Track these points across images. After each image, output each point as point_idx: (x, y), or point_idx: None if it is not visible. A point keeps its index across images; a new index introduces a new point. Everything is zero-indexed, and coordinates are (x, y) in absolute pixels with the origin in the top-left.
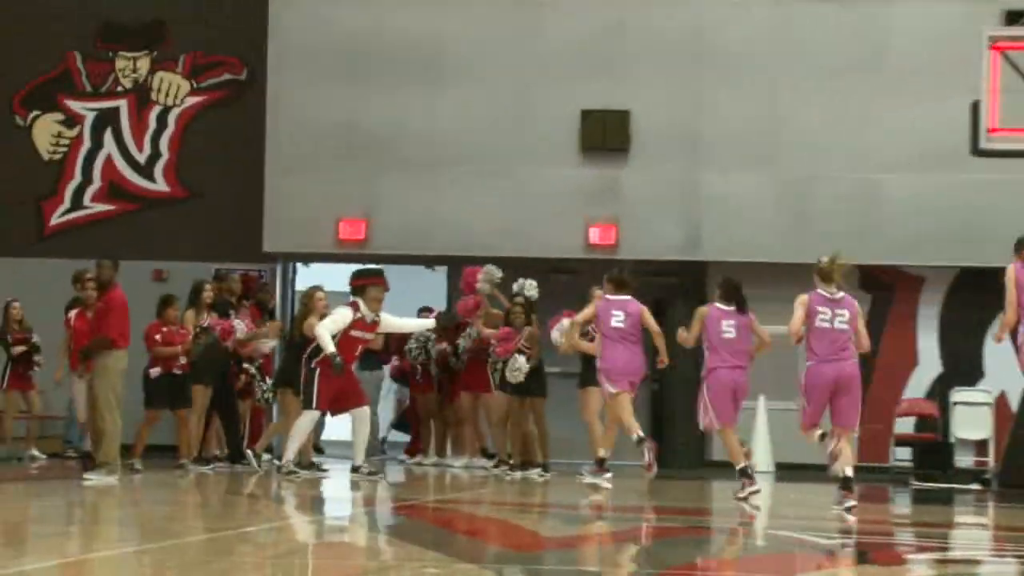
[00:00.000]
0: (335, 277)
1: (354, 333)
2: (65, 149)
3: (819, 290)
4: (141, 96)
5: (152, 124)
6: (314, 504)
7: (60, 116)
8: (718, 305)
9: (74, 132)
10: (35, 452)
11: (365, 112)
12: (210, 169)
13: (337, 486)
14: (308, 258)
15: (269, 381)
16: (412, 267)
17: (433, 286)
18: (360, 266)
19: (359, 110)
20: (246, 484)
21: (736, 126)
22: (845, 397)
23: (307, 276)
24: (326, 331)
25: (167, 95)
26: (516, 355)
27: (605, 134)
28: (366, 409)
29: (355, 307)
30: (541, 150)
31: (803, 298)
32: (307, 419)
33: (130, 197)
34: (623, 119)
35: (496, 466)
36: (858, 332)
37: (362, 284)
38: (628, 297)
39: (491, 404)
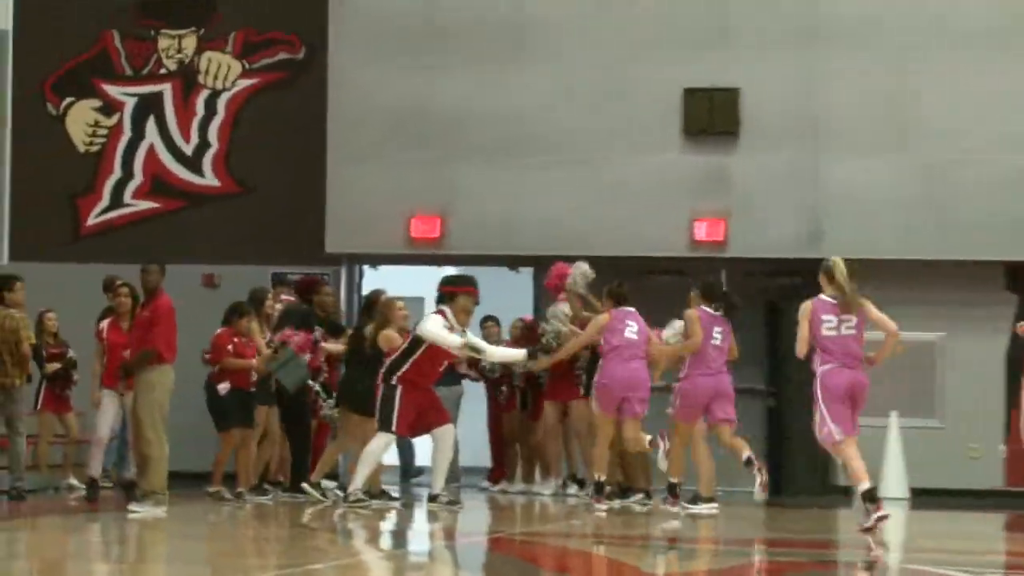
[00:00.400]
0: (406, 281)
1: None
2: (103, 140)
3: (823, 296)
4: (187, 79)
5: (200, 111)
6: (386, 537)
7: (97, 103)
8: (705, 308)
9: (112, 121)
10: (73, 481)
11: (438, 94)
12: (265, 160)
13: (411, 517)
14: (376, 260)
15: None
16: (493, 268)
17: (517, 290)
18: (452, 272)
19: (431, 92)
20: (310, 516)
21: (861, 104)
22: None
23: (374, 280)
24: (440, 331)
25: (216, 78)
26: None
27: (712, 116)
28: (450, 428)
29: (443, 316)
30: (638, 135)
31: (806, 307)
32: (381, 443)
33: (176, 193)
34: (732, 98)
35: (584, 490)
36: (879, 320)
37: (452, 292)
38: (633, 310)
39: (578, 412)
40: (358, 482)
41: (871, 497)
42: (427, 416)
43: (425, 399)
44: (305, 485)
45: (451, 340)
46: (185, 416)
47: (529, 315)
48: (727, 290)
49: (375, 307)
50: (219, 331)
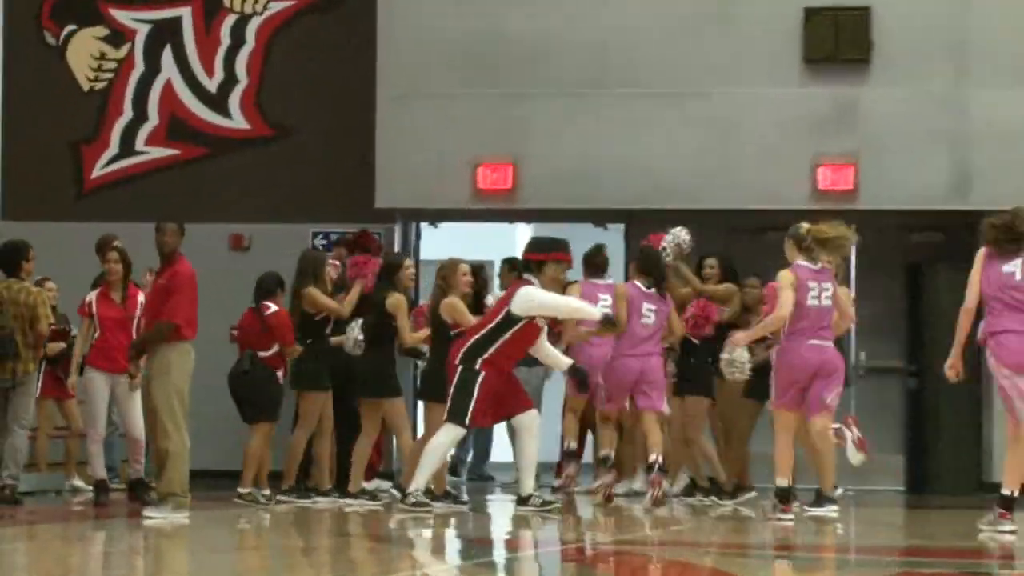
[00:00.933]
0: (473, 241)
1: (539, 321)
2: (110, 75)
3: (801, 261)
4: (210, 2)
5: (225, 39)
6: (466, 548)
7: (103, 31)
8: (638, 283)
9: (122, 53)
10: (77, 482)
11: (510, 18)
12: (302, 98)
13: (490, 522)
14: (436, 216)
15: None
16: (576, 225)
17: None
18: (544, 235)
19: (502, 16)
20: (365, 521)
21: (1019, 23)
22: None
23: (434, 240)
24: (569, 300)
25: (245, 0)
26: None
27: (837, 40)
28: (535, 415)
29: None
30: (749, 65)
31: (788, 275)
32: (449, 436)
33: (198, 138)
34: (861, 19)
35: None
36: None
37: (541, 259)
38: (611, 282)
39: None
40: (420, 481)
41: (783, 496)
42: (506, 401)
43: (505, 384)
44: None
45: (590, 310)
46: (209, 405)
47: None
48: (673, 261)
49: (395, 273)
50: (275, 309)
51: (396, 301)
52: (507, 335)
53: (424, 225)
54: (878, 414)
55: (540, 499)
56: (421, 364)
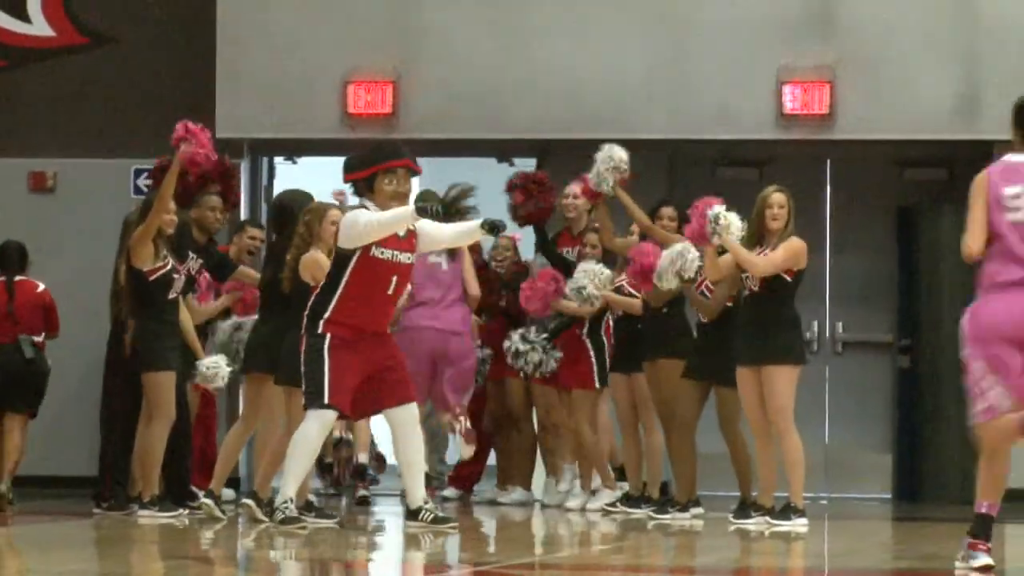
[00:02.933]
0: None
1: (377, 253)
2: None
3: (1010, 156)
4: None
5: None
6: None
7: None
8: None
9: None
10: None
11: None
12: None
13: (362, 543)
14: (295, 148)
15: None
16: (474, 160)
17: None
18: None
19: None
20: (217, 540)
21: None
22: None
23: (293, 179)
24: (373, 215)
25: None
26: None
27: None
28: (412, 409)
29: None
30: None
31: (980, 179)
32: (315, 426)
33: None
34: None
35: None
36: None
37: (368, 173)
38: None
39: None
40: (289, 488)
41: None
42: (380, 389)
43: (372, 356)
44: (200, 491)
45: (391, 214)
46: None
47: (519, 234)
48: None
49: (288, 219)
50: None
51: (312, 262)
52: (343, 281)
53: (279, 160)
54: (860, 402)
55: (432, 513)
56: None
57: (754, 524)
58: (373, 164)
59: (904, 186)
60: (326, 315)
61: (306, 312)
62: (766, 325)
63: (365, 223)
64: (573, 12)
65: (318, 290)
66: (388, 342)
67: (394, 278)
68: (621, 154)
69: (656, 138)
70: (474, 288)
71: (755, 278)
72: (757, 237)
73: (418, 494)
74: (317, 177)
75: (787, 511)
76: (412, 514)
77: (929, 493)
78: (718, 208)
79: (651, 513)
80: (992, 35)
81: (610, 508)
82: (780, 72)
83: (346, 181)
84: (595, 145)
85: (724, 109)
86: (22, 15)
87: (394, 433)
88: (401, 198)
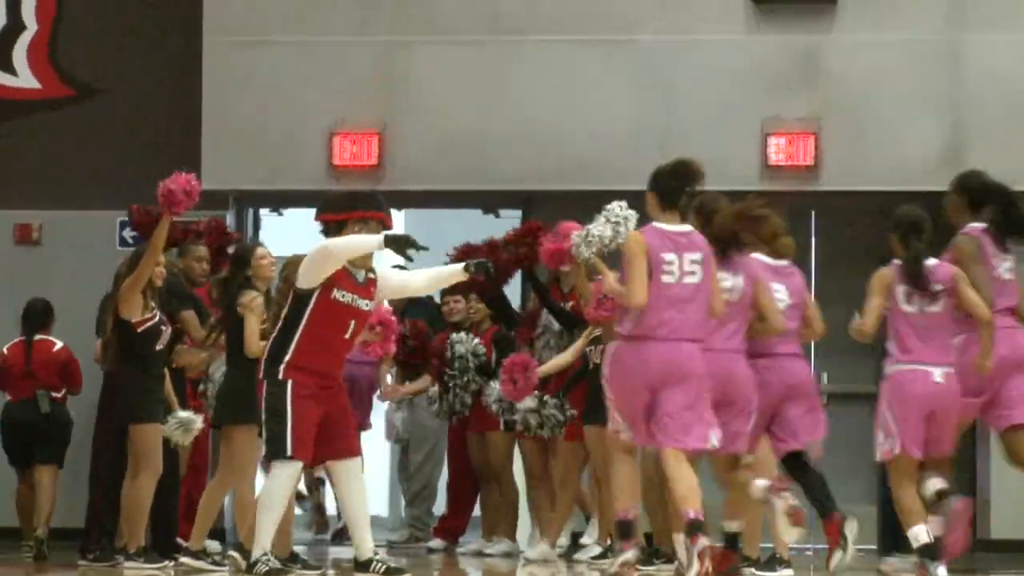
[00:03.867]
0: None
1: (338, 296)
2: None
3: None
4: None
5: None
6: None
7: None
8: None
9: None
10: None
11: None
12: (110, 50)
13: None
14: (280, 200)
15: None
16: (462, 211)
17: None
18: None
19: None
20: None
21: None
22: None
23: (278, 231)
24: (338, 245)
25: None
26: None
27: None
28: (355, 464)
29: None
30: (683, 4)
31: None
32: (283, 477)
33: None
34: None
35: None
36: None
37: (339, 219)
38: None
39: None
40: (264, 540)
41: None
42: (332, 439)
43: (328, 406)
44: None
45: (359, 238)
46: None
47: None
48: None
49: (246, 267)
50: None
51: (250, 299)
52: (302, 323)
53: (264, 212)
54: (845, 453)
55: (384, 564)
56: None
57: None
58: (349, 211)
59: (885, 237)
60: (286, 358)
61: (264, 357)
62: None
63: (333, 243)
64: (559, 63)
65: (276, 333)
66: (341, 393)
67: (352, 322)
68: (609, 233)
69: (642, 189)
70: None
71: None
72: None
73: (367, 546)
74: (303, 229)
75: (772, 562)
76: (363, 566)
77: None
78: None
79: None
80: (977, 86)
81: (595, 559)
82: (765, 123)
83: (318, 220)
84: (581, 196)
85: (709, 160)
86: (7, 67)
87: (337, 486)
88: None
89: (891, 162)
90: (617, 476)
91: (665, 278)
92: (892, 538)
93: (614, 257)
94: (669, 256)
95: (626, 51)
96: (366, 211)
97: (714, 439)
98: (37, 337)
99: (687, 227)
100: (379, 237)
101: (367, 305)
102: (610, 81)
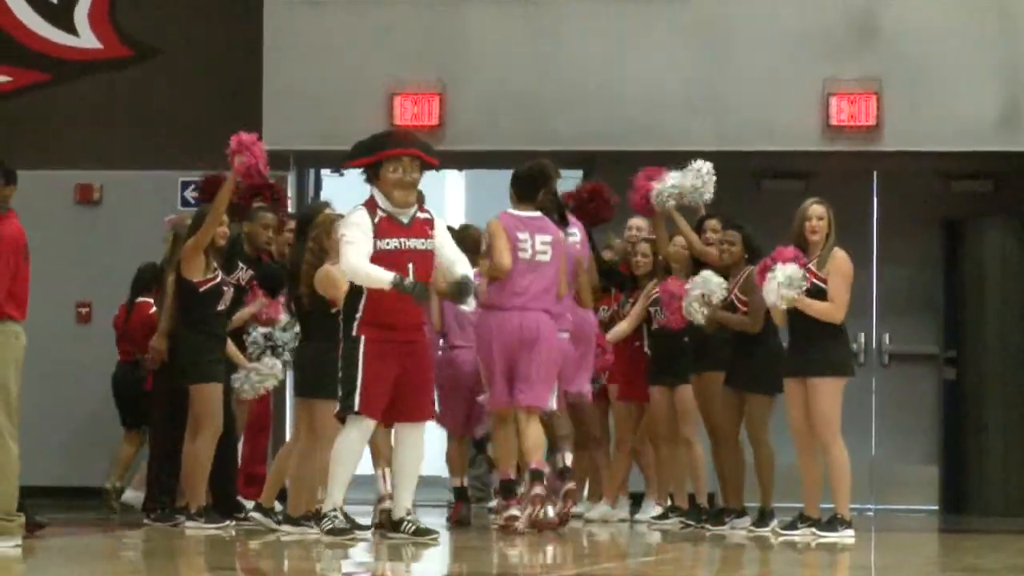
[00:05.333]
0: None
1: (382, 245)
2: None
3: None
4: None
5: None
6: None
7: None
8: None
9: None
10: None
11: None
12: (169, 9)
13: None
14: (338, 160)
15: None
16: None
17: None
18: (456, 177)
19: None
20: (262, 551)
21: None
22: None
23: (338, 191)
24: (352, 257)
25: None
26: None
27: None
28: (420, 430)
29: (371, 206)
30: None
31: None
32: (354, 433)
33: (35, 61)
34: None
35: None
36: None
37: (374, 160)
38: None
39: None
40: (336, 495)
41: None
42: (401, 397)
43: (405, 364)
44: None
45: (364, 273)
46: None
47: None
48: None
49: (303, 232)
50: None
51: (327, 277)
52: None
53: (325, 172)
54: (906, 413)
55: (414, 525)
56: None
57: (800, 535)
58: (380, 151)
59: (950, 198)
60: (358, 315)
61: (341, 317)
62: (812, 337)
63: (343, 264)
64: (617, 24)
65: (349, 293)
66: (420, 351)
67: (410, 265)
68: (695, 183)
69: (700, 150)
70: None
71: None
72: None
73: (402, 506)
74: (363, 189)
75: (833, 523)
76: (394, 525)
77: (974, 505)
78: (779, 272)
79: (707, 525)
80: None
81: (656, 520)
82: (826, 84)
83: (347, 167)
84: (641, 156)
85: (769, 121)
86: (69, 28)
87: (397, 444)
88: (406, 187)
89: (951, 123)
90: (497, 441)
91: (520, 254)
92: (954, 499)
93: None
94: (523, 235)
95: (683, 10)
96: (396, 149)
97: (552, 402)
98: (139, 300)
99: (538, 213)
100: (389, 278)
101: (423, 244)
102: (667, 41)
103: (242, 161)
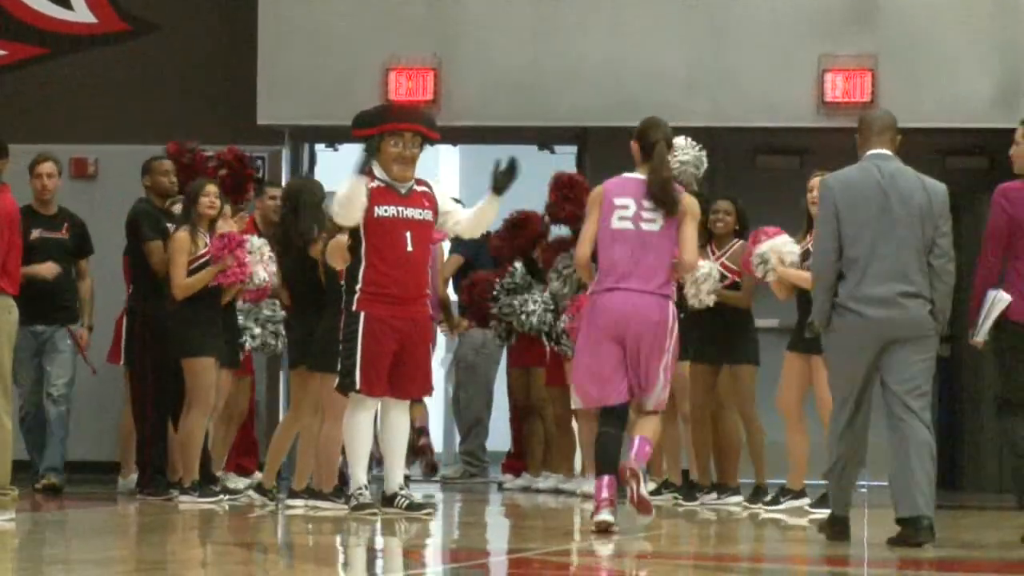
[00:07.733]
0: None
1: (379, 212)
2: None
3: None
4: None
5: None
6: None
7: None
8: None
9: None
10: None
11: None
12: None
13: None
14: (336, 135)
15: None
16: (518, 147)
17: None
18: (452, 153)
19: None
20: (257, 525)
21: None
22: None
23: (333, 166)
24: (338, 192)
25: None
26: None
27: None
28: (404, 409)
29: (370, 175)
30: None
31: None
32: (360, 415)
33: (30, 35)
34: None
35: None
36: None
37: (375, 132)
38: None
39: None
40: (359, 476)
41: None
42: (398, 370)
43: (404, 339)
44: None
45: (343, 189)
46: None
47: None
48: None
49: (293, 206)
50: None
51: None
52: (362, 250)
53: (320, 147)
54: None
55: (408, 499)
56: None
57: (787, 509)
58: (380, 124)
59: (946, 175)
60: (358, 286)
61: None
62: None
63: (334, 205)
64: (607, 5)
65: (350, 266)
66: (422, 328)
67: (408, 234)
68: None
69: (697, 126)
70: None
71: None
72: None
73: (395, 480)
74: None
75: (824, 498)
76: (388, 500)
77: (969, 481)
78: (764, 246)
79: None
80: None
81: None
82: (822, 60)
83: (355, 137)
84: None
85: (765, 97)
86: (64, 2)
87: (385, 418)
88: (406, 162)
89: (947, 99)
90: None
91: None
92: (949, 475)
93: None
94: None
95: None
96: (398, 123)
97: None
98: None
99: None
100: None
101: (421, 214)
102: (663, 17)
103: (228, 266)
